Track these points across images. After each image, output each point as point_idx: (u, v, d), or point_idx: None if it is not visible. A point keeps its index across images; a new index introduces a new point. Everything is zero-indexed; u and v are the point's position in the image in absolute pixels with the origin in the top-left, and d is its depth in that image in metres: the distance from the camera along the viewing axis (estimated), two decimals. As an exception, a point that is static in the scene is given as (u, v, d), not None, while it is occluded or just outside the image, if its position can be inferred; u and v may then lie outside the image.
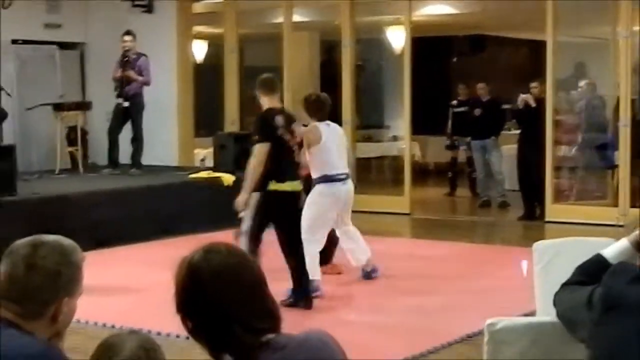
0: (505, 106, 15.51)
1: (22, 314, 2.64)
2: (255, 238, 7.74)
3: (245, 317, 2.46)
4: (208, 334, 2.49)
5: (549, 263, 4.23)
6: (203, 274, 2.49)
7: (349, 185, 8.62)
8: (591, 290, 2.94)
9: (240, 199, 7.87)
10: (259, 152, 7.65)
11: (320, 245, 8.41)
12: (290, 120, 7.92)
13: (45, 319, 2.67)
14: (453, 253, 10.67)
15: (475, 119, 14.81)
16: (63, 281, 2.67)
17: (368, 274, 9.03)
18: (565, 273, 3.94)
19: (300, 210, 8.05)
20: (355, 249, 8.99)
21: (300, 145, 8.05)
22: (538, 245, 4.38)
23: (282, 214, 7.83)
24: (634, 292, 2.80)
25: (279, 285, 6.18)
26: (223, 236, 11.45)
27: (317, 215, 8.30)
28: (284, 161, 7.75)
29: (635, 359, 2.73)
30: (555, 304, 3.30)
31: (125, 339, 2.56)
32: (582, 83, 13.93)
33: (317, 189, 8.41)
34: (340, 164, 8.51)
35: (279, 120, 7.77)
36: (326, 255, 8.98)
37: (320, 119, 8.47)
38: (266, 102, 7.95)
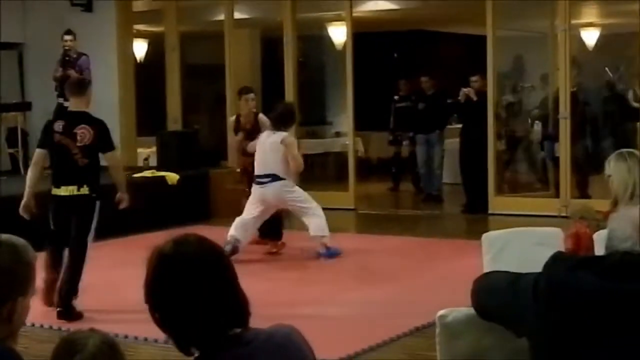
0: (448, 100, 15.64)
1: None
2: None
3: (212, 310, 2.44)
4: (175, 326, 2.48)
5: (498, 253, 4.29)
6: (171, 265, 2.48)
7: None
8: (534, 280, 2.95)
9: None
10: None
11: None
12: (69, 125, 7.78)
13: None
14: (398, 247, 10.74)
15: (419, 113, 14.88)
16: (17, 280, 2.64)
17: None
18: (515, 263, 4.00)
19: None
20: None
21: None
22: (487, 235, 4.44)
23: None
24: (580, 277, 2.84)
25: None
26: (170, 235, 11.43)
27: None
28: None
29: (583, 347, 2.77)
30: (477, 295, 3.30)
31: (87, 335, 2.54)
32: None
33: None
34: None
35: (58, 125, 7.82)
36: (278, 232, 10.39)
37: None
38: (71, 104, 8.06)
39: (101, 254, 9.61)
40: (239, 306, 2.50)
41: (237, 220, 9.94)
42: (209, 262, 2.49)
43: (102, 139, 7.77)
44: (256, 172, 9.92)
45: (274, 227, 10.39)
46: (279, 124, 9.97)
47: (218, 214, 12.60)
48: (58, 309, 7.53)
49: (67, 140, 7.68)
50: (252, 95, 10.77)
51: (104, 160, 7.97)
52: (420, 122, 14.97)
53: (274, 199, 9.90)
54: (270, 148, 9.83)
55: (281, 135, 9.90)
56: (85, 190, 7.66)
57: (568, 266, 2.90)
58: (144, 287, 2.51)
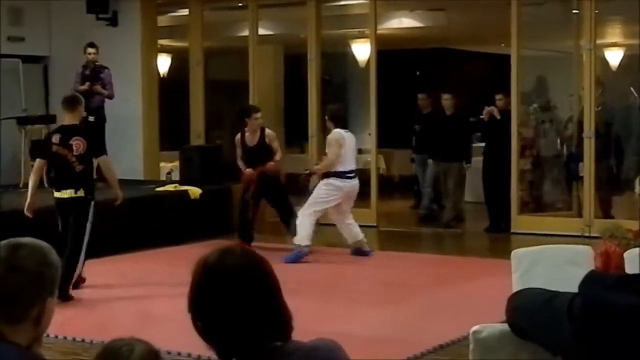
0: (471, 119, 15.59)
1: (4, 318, 2.60)
2: None
3: (255, 322, 2.44)
4: (216, 336, 2.47)
5: (528, 271, 4.26)
6: (215, 275, 2.48)
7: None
8: (569, 301, 2.92)
9: None
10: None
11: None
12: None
13: (28, 322, 2.63)
14: (421, 265, 10.70)
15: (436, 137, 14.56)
16: (45, 281, 2.66)
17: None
18: (544, 281, 3.97)
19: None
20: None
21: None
22: (516, 253, 4.41)
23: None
24: (616, 298, 2.81)
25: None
26: (191, 249, 11.44)
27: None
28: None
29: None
30: (513, 312, 3.27)
31: (131, 343, 2.53)
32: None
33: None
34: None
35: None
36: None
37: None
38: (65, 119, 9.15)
39: (126, 267, 9.66)
40: (282, 319, 2.50)
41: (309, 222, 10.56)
42: (253, 274, 2.49)
43: (94, 147, 8.96)
44: (345, 168, 10.65)
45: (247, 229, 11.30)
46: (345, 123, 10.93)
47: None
48: None
49: (64, 151, 8.85)
50: (260, 113, 11.43)
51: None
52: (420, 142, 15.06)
53: (354, 193, 10.84)
54: (354, 146, 10.84)
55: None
56: (81, 193, 8.82)
57: (604, 286, 2.88)
58: (188, 295, 2.51)
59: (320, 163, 11.24)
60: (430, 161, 14.69)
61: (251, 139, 11.32)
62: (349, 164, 10.74)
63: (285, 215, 11.32)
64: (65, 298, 8.36)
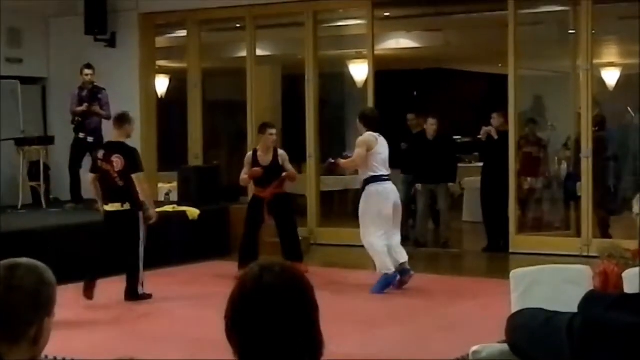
0: (465, 139, 15.56)
1: (2, 337, 2.61)
2: None
3: (287, 343, 2.38)
4: (249, 354, 2.41)
5: (527, 291, 4.26)
6: (252, 291, 2.41)
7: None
8: (569, 320, 2.93)
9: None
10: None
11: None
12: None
13: (26, 341, 2.64)
14: (420, 284, 10.66)
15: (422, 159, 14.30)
16: (43, 301, 2.68)
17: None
18: (543, 301, 3.97)
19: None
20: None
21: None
22: (515, 273, 4.42)
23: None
24: (616, 318, 2.81)
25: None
26: (189, 270, 11.43)
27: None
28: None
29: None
30: (513, 332, 3.27)
31: None
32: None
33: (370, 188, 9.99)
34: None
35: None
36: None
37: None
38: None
39: (123, 288, 9.63)
40: (315, 343, 2.43)
41: (378, 245, 9.96)
42: (291, 293, 2.42)
43: (130, 164, 9.41)
44: (377, 173, 10.05)
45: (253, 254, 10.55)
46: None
47: (237, 250, 12.57)
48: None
49: (107, 166, 9.45)
50: (274, 130, 11.08)
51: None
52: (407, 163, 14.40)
53: (398, 201, 10.22)
54: (387, 152, 10.20)
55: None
56: (127, 206, 9.37)
57: (603, 306, 2.88)
58: (225, 309, 2.45)
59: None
60: (419, 187, 14.25)
61: (264, 158, 10.95)
62: (382, 169, 10.07)
63: (287, 239, 10.92)
64: (138, 297, 9.37)
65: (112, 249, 9.49)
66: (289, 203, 11.30)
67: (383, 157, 10.13)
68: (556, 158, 14.49)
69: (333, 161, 11.15)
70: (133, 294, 9.45)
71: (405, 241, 13.83)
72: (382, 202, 9.99)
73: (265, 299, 2.39)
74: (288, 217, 11.07)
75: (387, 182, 10.14)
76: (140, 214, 9.39)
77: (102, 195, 9.61)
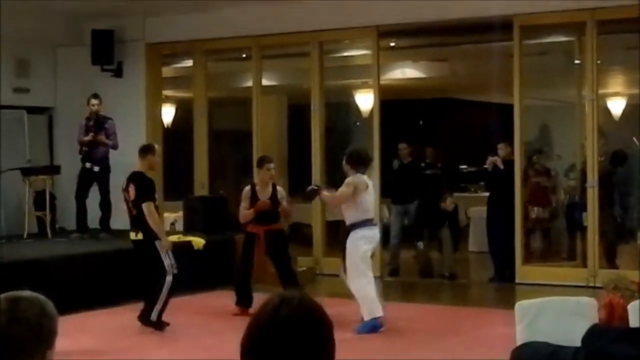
0: (471, 168, 15.52)
1: None
2: None
3: None
4: None
5: (532, 322, 4.25)
6: (268, 322, 2.38)
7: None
8: (573, 354, 2.93)
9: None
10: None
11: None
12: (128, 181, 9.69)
13: None
14: (425, 315, 10.65)
15: (398, 181, 14.33)
16: (45, 333, 2.69)
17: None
18: (548, 332, 3.96)
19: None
20: None
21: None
22: (521, 304, 4.40)
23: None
24: (620, 351, 2.80)
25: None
26: (195, 300, 11.41)
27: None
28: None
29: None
30: None
31: None
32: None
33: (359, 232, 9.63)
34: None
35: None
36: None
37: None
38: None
39: (128, 317, 9.61)
40: None
41: (370, 290, 9.67)
42: (307, 327, 2.38)
43: (140, 193, 9.47)
44: (370, 216, 9.84)
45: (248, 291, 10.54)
46: (366, 169, 9.99)
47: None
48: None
49: (126, 195, 9.63)
50: (273, 164, 10.87)
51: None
52: (398, 191, 14.41)
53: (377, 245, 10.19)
54: (375, 195, 10.26)
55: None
56: (140, 236, 9.48)
57: (607, 340, 2.87)
58: (241, 339, 2.42)
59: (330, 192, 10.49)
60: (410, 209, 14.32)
61: (262, 193, 10.73)
62: (371, 213, 9.93)
63: (285, 277, 10.63)
64: (149, 322, 9.39)
65: (139, 275, 9.76)
66: (284, 239, 11.05)
67: (373, 200, 10.06)
68: (562, 188, 14.47)
69: (316, 188, 10.77)
70: (145, 319, 9.50)
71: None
72: (372, 246, 9.87)
73: (280, 331, 2.36)
74: (284, 254, 10.84)
75: (375, 226, 10.04)
76: (157, 242, 9.45)
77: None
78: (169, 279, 9.41)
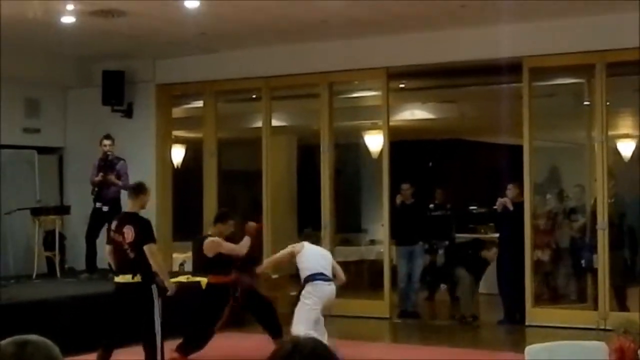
0: (481, 209, 15.47)
1: None
2: None
3: None
4: None
5: (542, 367, 4.21)
6: None
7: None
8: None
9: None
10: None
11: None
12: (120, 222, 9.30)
13: None
14: (435, 358, 10.58)
15: (403, 222, 14.15)
16: None
17: None
18: (559, 377, 3.94)
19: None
20: None
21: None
22: (531, 349, 4.38)
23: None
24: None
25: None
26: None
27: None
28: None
29: None
30: None
31: None
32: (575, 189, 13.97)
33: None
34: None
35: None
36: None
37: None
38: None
39: (137, 359, 9.57)
40: None
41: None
42: None
43: (141, 235, 9.09)
44: (319, 271, 9.93)
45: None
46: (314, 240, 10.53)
47: (251, 320, 12.50)
48: None
49: (118, 237, 9.16)
50: (233, 221, 10.94)
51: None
52: (403, 233, 14.25)
53: (332, 299, 10.16)
54: (322, 252, 10.42)
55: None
56: (137, 278, 9.02)
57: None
58: None
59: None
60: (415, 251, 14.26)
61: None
62: (315, 268, 10.10)
63: (265, 318, 10.54)
64: None
65: (121, 322, 9.18)
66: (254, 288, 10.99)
67: (314, 253, 10.25)
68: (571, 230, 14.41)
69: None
70: None
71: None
72: (312, 301, 9.97)
73: None
74: (261, 300, 10.76)
75: (319, 281, 10.04)
76: (154, 287, 9.09)
77: (115, 267, 9.41)
78: (158, 325, 9.04)
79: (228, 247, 10.45)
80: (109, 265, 10.16)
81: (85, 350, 10.07)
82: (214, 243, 10.40)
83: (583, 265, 13.75)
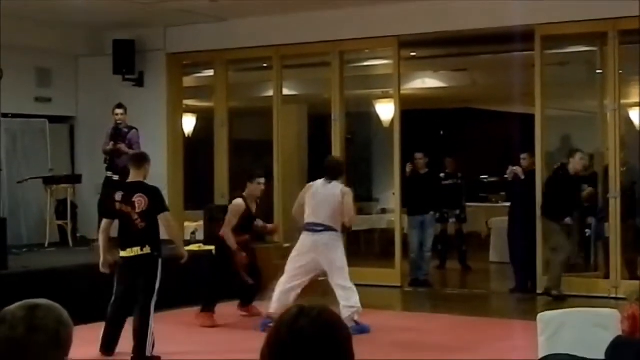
0: (492, 179, 15.42)
1: None
2: None
3: None
4: None
5: (554, 334, 4.22)
6: (286, 334, 2.37)
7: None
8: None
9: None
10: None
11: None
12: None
13: None
14: (445, 326, 10.61)
15: (417, 193, 14.14)
16: (62, 341, 2.71)
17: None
18: (571, 344, 3.94)
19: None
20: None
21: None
22: (543, 316, 4.38)
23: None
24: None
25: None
26: (215, 309, 11.40)
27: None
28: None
29: None
30: None
31: None
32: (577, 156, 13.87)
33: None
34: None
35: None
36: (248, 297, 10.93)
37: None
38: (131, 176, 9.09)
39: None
40: None
41: (278, 291, 9.92)
42: (325, 339, 2.36)
43: (155, 204, 8.76)
44: (309, 220, 9.92)
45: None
46: (335, 175, 10.02)
47: (264, 289, 12.55)
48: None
49: (127, 208, 8.73)
50: (263, 179, 11.19)
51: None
52: (415, 203, 14.22)
53: (324, 248, 9.82)
54: (325, 198, 9.86)
55: (338, 185, 9.94)
56: (147, 250, 8.68)
57: (631, 352, 2.84)
58: (262, 348, 2.41)
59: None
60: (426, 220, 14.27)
61: (251, 208, 11.08)
62: (312, 217, 10.02)
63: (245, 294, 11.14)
64: (145, 359, 8.54)
65: (128, 295, 8.87)
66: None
67: (314, 203, 9.99)
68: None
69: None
70: (141, 357, 8.60)
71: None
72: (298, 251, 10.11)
73: (298, 343, 2.34)
74: (253, 266, 11.22)
75: (309, 232, 10.01)
76: (160, 261, 8.76)
77: (119, 241, 8.91)
78: (154, 302, 8.70)
79: (227, 231, 10.92)
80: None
81: (97, 319, 10.12)
82: (229, 213, 10.97)
83: (587, 234, 13.74)
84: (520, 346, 7.86)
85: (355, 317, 9.75)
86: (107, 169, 13.53)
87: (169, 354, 8.85)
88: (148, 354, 8.61)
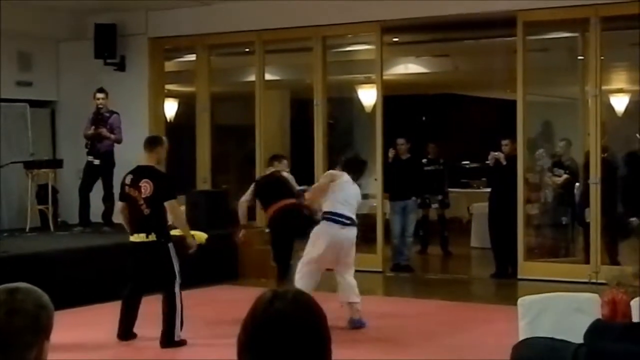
0: (473, 164, 15.48)
1: None
2: None
3: None
4: None
5: (535, 318, 4.25)
6: (262, 316, 2.37)
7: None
8: (574, 351, 2.91)
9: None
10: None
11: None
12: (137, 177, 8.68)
13: None
14: (426, 311, 10.65)
15: (397, 178, 14.16)
16: (42, 324, 2.70)
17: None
18: (552, 329, 3.96)
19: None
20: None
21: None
22: (524, 300, 4.41)
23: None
24: (621, 350, 2.79)
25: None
26: (197, 294, 11.41)
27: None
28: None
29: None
30: None
31: None
32: (561, 143, 13.95)
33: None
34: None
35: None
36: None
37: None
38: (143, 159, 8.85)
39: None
40: None
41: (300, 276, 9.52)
42: (301, 321, 2.37)
43: (161, 190, 8.56)
44: (339, 211, 9.47)
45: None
46: (359, 177, 10.07)
47: (246, 274, 12.58)
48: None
49: (135, 192, 8.60)
50: (285, 161, 11.33)
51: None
52: (397, 188, 14.27)
53: (349, 244, 9.58)
54: (355, 195, 9.75)
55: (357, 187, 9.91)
56: (152, 237, 8.55)
57: (609, 336, 2.86)
58: (238, 333, 2.41)
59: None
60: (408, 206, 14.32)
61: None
62: (342, 209, 9.62)
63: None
64: (173, 343, 8.48)
65: (137, 281, 8.81)
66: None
67: (347, 197, 9.65)
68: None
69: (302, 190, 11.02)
70: (169, 341, 8.54)
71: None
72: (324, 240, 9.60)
73: (274, 325, 2.35)
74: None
75: (337, 224, 9.58)
76: (171, 245, 8.65)
77: (129, 225, 8.82)
78: (178, 285, 8.58)
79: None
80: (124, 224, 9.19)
81: (78, 303, 10.13)
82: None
83: (564, 222, 13.83)
84: (500, 330, 7.89)
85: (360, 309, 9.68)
86: (88, 154, 13.50)
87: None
88: (177, 338, 8.53)
